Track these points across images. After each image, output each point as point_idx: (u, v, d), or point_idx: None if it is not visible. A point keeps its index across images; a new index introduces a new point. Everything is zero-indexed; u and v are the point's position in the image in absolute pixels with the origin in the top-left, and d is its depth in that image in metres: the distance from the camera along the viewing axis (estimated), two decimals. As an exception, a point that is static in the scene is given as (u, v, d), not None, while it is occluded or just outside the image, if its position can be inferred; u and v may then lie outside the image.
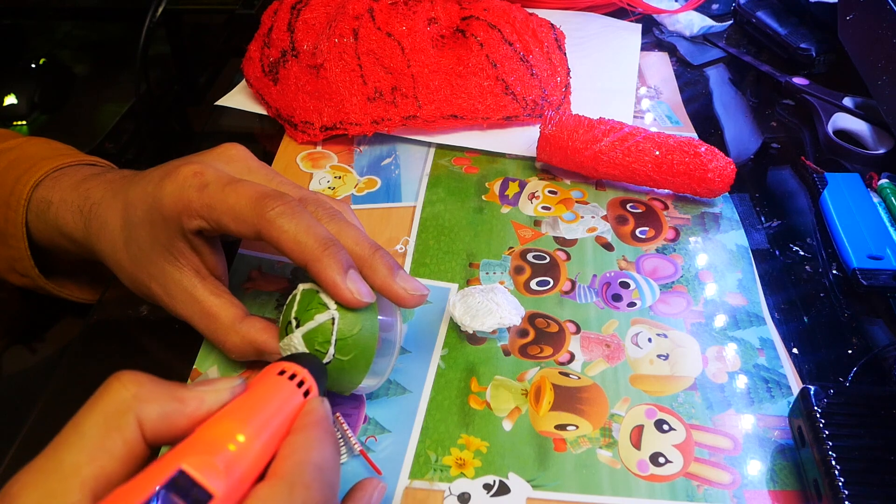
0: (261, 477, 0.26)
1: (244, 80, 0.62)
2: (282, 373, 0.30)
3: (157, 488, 0.23)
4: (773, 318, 0.44)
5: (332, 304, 0.33)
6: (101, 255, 0.38)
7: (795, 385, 0.40)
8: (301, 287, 0.35)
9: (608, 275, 0.46)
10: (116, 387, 0.25)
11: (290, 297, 0.35)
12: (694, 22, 0.73)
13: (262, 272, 0.46)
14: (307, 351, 0.33)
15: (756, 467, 0.36)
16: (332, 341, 0.33)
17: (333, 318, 0.33)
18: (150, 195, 0.35)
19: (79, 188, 0.39)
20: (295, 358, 0.32)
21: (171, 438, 0.26)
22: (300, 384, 0.30)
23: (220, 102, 0.61)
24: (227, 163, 0.38)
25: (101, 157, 0.45)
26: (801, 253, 0.48)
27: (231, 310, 0.37)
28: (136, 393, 0.25)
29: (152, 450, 0.26)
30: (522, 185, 0.53)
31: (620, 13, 0.75)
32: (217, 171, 0.35)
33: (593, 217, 0.51)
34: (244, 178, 0.35)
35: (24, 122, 0.70)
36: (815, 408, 0.33)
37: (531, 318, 0.43)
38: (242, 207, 0.33)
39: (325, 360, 0.33)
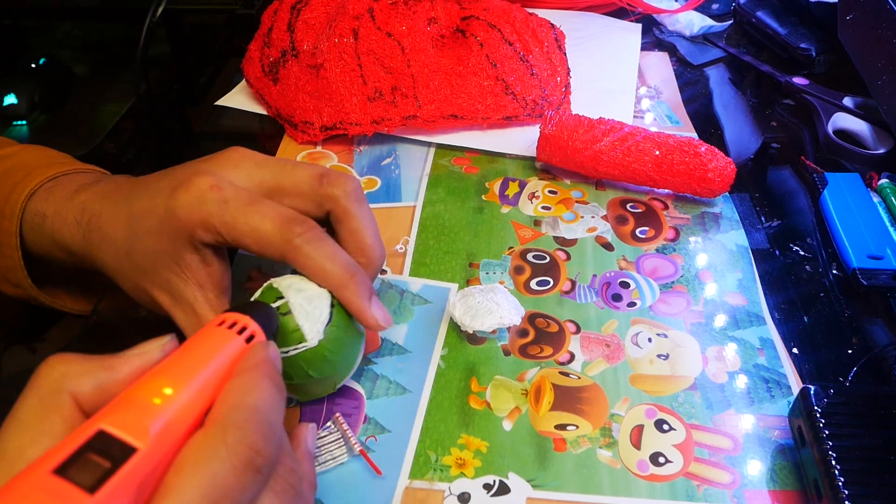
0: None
1: (244, 80, 0.62)
2: (221, 324, 0.29)
3: (72, 451, 0.22)
4: (773, 318, 0.44)
5: (310, 334, 0.34)
6: (101, 265, 0.38)
7: (795, 385, 0.40)
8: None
9: (608, 275, 0.46)
10: (45, 370, 0.25)
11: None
12: (694, 22, 0.73)
13: (263, 272, 0.46)
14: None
15: (756, 467, 0.36)
16: (333, 362, 0.34)
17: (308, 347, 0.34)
18: (159, 206, 0.35)
19: (73, 200, 0.39)
20: (239, 308, 0.31)
21: None
22: (242, 331, 0.29)
23: (220, 102, 0.61)
24: (234, 168, 0.37)
25: (101, 157, 0.45)
26: (801, 253, 0.48)
27: None
28: (64, 371, 0.25)
29: None
30: (522, 185, 0.53)
31: (620, 13, 0.75)
32: (234, 186, 0.35)
33: (593, 217, 0.51)
34: (260, 180, 0.36)
35: (24, 122, 0.70)
36: (815, 408, 0.33)
37: (531, 318, 0.43)
38: (268, 231, 0.34)
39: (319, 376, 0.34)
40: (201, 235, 0.34)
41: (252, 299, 0.35)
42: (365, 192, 0.52)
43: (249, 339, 0.29)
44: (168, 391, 0.25)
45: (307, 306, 0.34)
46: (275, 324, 0.32)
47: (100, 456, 0.22)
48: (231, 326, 0.29)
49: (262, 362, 0.28)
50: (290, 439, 0.31)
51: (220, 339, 0.28)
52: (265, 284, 0.36)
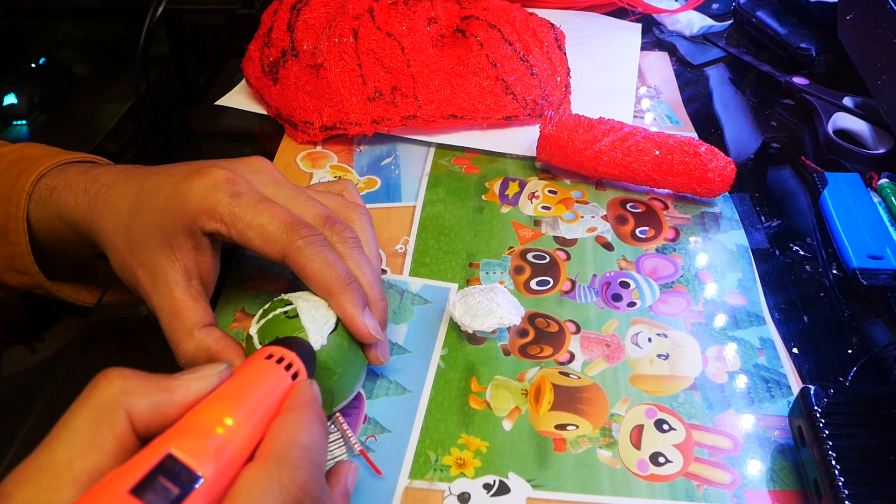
0: (251, 459, 0.26)
1: (244, 80, 0.62)
2: (269, 357, 0.30)
3: (146, 472, 0.23)
4: (773, 317, 0.44)
5: (314, 337, 0.34)
6: (98, 235, 0.38)
7: (795, 385, 0.40)
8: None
9: (608, 275, 0.46)
10: (104, 383, 0.25)
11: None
12: (694, 22, 0.73)
13: (263, 272, 0.46)
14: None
15: (756, 467, 0.36)
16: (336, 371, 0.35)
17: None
18: (172, 186, 0.36)
19: (87, 174, 0.40)
20: (283, 342, 0.32)
21: (162, 429, 0.26)
22: (288, 367, 0.30)
23: (220, 102, 0.61)
24: (254, 173, 0.38)
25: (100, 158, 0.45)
26: (801, 253, 0.48)
27: (197, 316, 0.36)
28: (123, 388, 0.25)
29: (144, 443, 0.26)
30: (522, 185, 0.53)
31: (620, 13, 0.75)
32: (248, 183, 0.36)
33: (593, 217, 0.51)
34: (272, 197, 0.37)
35: (24, 122, 0.70)
36: (815, 408, 0.33)
37: (531, 318, 0.43)
38: (274, 230, 0.35)
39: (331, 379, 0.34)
40: (204, 222, 0.35)
41: (262, 309, 0.36)
42: (365, 192, 0.53)
43: (294, 376, 0.30)
44: (229, 421, 0.26)
45: (314, 312, 0.35)
46: (314, 363, 0.33)
47: (170, 481, 0.23)
48: (278, 361, 0.30)
49: (311, 401, 0.29)
50: (332, 473, 0.31)
51: (271, 372, 0.29)
52: (275, 298, 0.37)
